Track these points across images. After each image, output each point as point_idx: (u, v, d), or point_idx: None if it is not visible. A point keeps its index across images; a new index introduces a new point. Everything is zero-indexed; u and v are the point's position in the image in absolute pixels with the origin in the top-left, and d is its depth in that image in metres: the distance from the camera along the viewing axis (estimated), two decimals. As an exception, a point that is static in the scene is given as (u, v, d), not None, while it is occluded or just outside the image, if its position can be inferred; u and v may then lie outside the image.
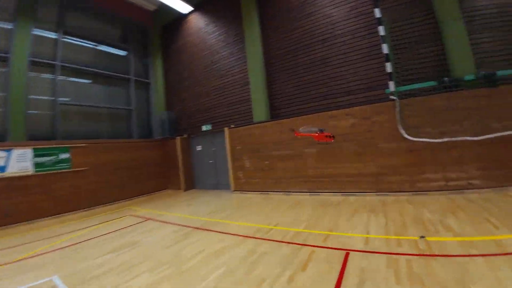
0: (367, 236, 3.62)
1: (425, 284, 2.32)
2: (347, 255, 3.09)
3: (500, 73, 5.02)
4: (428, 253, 2.89)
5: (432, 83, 5.34)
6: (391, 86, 5.43)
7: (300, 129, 6.66)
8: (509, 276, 2.31)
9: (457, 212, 4.16)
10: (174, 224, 5.45)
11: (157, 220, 5.93)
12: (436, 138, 5.13)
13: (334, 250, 3.28)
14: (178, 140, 10.12)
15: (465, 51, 5.37)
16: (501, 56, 5.31)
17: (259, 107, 7.96)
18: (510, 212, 3.93)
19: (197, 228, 4.94)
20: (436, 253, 2.86)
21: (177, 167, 10.11)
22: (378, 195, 5.81)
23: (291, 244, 3.65)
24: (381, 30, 5.51)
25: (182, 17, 10.47)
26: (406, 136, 5.37)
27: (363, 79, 6.47)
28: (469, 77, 5.16)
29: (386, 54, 5.49)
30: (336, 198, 6.11)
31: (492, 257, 2.67)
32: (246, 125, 8.15)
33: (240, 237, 4.17)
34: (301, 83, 7.46)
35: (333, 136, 6.24)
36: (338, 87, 6.83)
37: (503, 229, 3.37)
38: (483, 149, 5.03)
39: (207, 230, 4.78)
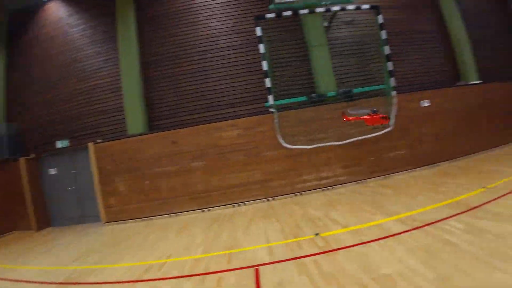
0: (269, 245, 3.51)
1: (340, 281, 2.30)
2: (257, 271, 2.83)
3: (355, 90, 6.31)
4: (329, 249, 2.97)
5: (303, 98, 6.03)
6: (270, 99, 5.69)
7: (349, 111, 5.57)
8: (407, 255, 2.51)
9: (335, 206, 4.70)
10: (28, 282, 3.70)
11: (2, 279, 4.01)
12: (308, 145, 5.74)
13: (242, 270, 2.96)
14: (22, 162, 7.45)
15: (328, 72, 6.55)
16: (355, 77, 6.87)
17: (135, 117, 6.84)
18: (376, 199, 4.76)
19: (62, 284, 3.47)
20: (336, 247, 2.97)
21: (23, 199, 7.36)
22: (266, 200, 6.07)
23: (192, 277, 3.01)
24: (262, 48, 5.73)
25: (38, 4, 8.18)
26: (284, 144, 5.73)
27: (245, 92, 6.77)
28: (331, 93, 6.25)
29: (266, 70, 5.74)
30: (228, 210, 5.94)
31: (383, 241, 2.96)
32: (118, 139, 6.76)
33: (125, 284, 3.14)
34: (185, 93, 7.01)
35: (389, 118, 5.26)
36: (223, 99, 6.84)
37: (378, 214, 3.92)
38: (345, 151, 6.23)
39: (77, 283, 3.42)
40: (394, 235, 3.06)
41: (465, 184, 4.86)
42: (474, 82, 7.84)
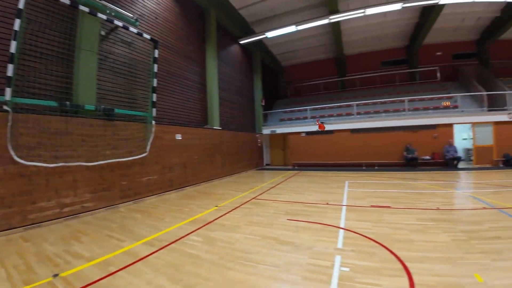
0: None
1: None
2: None
3: (117, 110, 6.22)
4: (69, 291, 2.58)
5: (53, 103, 5.01)
6: (7, 94, 4.31)
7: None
8: (155, 276, 2.78)
9: (79, 237, 4.15)
10: None
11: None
12: (50, 163, 4.77)
13: None
14: None
15: (91, 82, 5.88)
16: (120, 97, 6.67)
17: None
18: (126, 224, 4.75)
19: None
20: (80, 286, 2.65)
21: None
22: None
23: None
24: (17, 24, 4.40)
25: None
26: (16, 158, 4.40)
27: (-33, 73, 4.43)
28: (90, 107, 5.64)
29: (12, 54, 4.37)
30: None
31: (132, 266, 3.01)
32: None
33: None
34: None
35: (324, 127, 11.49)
36: None
37: (127, 240, 3.92)
38: (94, 174, 5.68)
39: None
40: (142, 258, 3.23)
41: (203, 204, 6.21)
42: (216, 127, 10.81)
